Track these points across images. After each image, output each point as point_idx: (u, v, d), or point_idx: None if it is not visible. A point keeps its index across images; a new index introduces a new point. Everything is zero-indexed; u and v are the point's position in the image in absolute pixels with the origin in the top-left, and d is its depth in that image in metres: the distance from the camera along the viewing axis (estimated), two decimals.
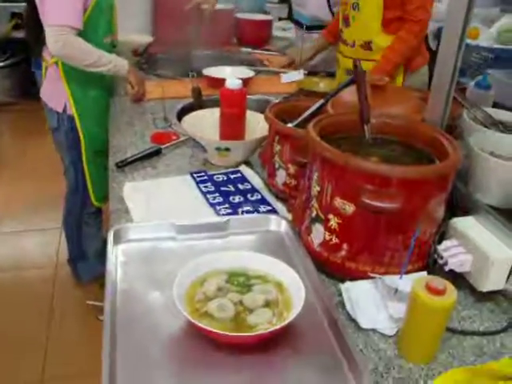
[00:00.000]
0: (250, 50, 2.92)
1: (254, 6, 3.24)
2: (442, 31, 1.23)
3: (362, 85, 1.24)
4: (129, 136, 1.77)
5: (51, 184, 3.16)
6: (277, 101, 1.57)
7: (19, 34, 4.63)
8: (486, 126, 1.39)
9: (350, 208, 1.03)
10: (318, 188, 1.08)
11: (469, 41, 2.75)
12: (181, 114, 1.97)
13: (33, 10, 2.00)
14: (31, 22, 2.05)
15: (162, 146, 1.64)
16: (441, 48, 1.25)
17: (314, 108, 1.46)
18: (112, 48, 2.17)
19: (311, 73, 2.55)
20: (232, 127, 1.53)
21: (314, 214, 1.11)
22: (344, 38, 2.27)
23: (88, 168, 2.25)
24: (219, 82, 2.18)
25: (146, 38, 2.69)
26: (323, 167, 1.07)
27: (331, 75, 2.58)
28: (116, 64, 2.02)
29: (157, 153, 1.62)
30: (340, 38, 2.31)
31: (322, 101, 1.48)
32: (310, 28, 2.95)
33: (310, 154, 1.13)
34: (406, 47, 2.09)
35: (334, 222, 1.07)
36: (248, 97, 1.73)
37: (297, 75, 2.43)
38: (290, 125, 1.42)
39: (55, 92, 2.14)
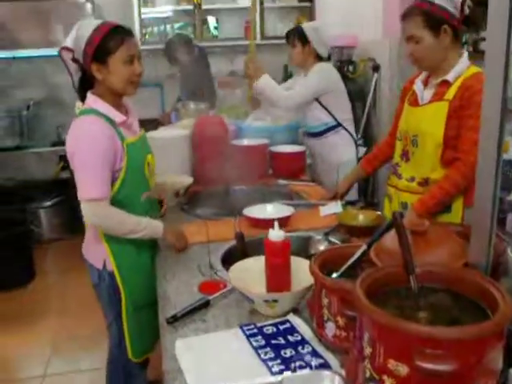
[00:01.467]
0: (286, 182, 3.01)
1: (288, 139, 3.37)
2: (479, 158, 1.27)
3: (403, 238, 1.27)
4: (176, 287, 1.81)
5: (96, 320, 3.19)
6: (320, 249, 1.61)
7: (66, 174, 4.88)
8: None
9: (404, 369, 1.03)
10: (369, 349, 1.08)
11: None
12: (225, 258, 2.03)
13: None
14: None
15: (210, 297, 1.67)
16: (478, 178, 1.28)
17: (356, 256, 1.49)
18: (150, 205, 2.24)
19: (349, 202, 2.61)
20: (278, 277, 1.56)
21: (367, 375, 1.11)
22: (400, 173, 2.31)
23: (128, 324, 2.21)
24: (261, 223, 2.28)
25: (187, 179, 2.80)
26: (373, 328, 1.07)
27: (369, 204, 2.64)
28: (151, 228, 2.07)
29: (205, 305, 1.65)
30: (394, 171, 2.35)
31: (364, 247, 1.51)
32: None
33: (359, 314, 1.14)
34: (452, 187, 2.11)
35: (388, 383, 1.06)
36: (289, 235, 1.81)
37: (335, 207, 2.48)
38: (334, 275, 1.45)
39: (94, 248, 2.16)
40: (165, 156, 2.86)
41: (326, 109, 3.32)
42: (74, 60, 2.02)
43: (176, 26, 5.33)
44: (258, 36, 5.35)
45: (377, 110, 5.02)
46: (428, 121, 2.14)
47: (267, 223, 2.25)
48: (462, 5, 2.05)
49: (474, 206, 1.30)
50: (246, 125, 3.42)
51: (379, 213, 2.35)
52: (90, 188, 1.94)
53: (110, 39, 1.97)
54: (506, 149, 3.16)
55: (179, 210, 2.66)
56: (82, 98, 2.09)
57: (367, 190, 3.42)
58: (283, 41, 5.42)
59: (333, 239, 2.17)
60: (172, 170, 2.84)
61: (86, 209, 1.96)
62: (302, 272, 1.63)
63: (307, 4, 5.52)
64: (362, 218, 2.30)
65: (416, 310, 1.16)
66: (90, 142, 1.95)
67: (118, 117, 2.04)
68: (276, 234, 1.55)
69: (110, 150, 1.97)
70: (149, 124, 3.66)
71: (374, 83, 4.93)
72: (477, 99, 2.03)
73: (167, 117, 4.26)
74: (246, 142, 3.15)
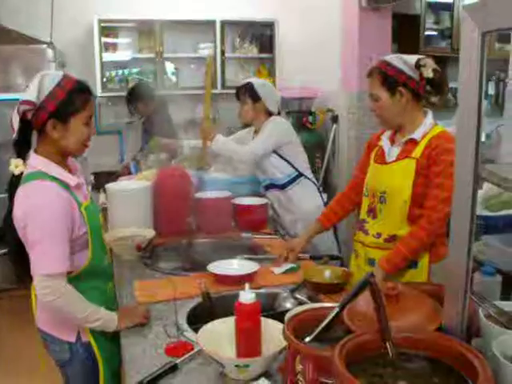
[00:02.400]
0: (250, 235, 2.98)
1: (250, 190, 3.36)
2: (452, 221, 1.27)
3: (379, 303, 1.26)
4: (142, 349, 1.74)
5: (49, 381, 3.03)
6: (293, 312, 1.58)
7: None
8: (502, 325, 1.39)
9: None
10: None
11: None
12: (191, 317, 1.98)
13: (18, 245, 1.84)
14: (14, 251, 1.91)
15: (177, 361, 1.61)
16: (451, 241, 1.28)
17: (329, 319, 1.46)
18: (110, 269, 2.13)
19: (313, 257, 2.59)
20: (249, 341, 1.52)
21: None
22: (366, 229, 2.32)
23: None
24: (227, 279, 2.24)
25: (149, 233, 2.74)
26: None
27: (334, 258, 2.63)
28: (105, 322, 1.86)
29: (173, 369, 1.59)
30: (361, 227, 2.36)
31: (336, 310, 1.49)
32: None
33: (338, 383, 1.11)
34: (418, 244, 2.13)
35: None
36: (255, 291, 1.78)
37: (288, 265, 2.47)
38: (307, 339, 1.42)
39: (63, 320, 1.90)
40: (125, 209, 2.82)
41: (286, 160, 3.33)
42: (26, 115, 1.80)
43: (132, 72, 5.31)
44: (219, 85, 5.40)
45: (335, 159, 5.10)
46: (396, 178, 2.17)
47: (233, 280, 2.25)
48: (419, 68, 2.12)
49: (448, 270, 1.30)
50: (207, 177, 3.40)
51: (346, 269, 2.34)
52: (48, 262, 1.75)
53: (76, 97, 1.83)
54: None
55: (141, 264, 2.59)
56: (21, 156, 1.88)
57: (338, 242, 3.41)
58: None
59: (299, 296, 2.14)
60: (133, 222, 2.78)
61: (41, 285, 1.75)
62: (270, 334, 1.59)
63: (268, 55, 5.60)
64: (328, 274, 2.29)
65: (395, 379, 1.13)
66: (46, 210, 1.76)
67: (71, 180, 1.88)
68: (247, 297, 1.51)
69: (68, 218, 1.80)
70: (108, 176, 3.62)
71: (333, 134, 5.03)
72: (443, 158, 2.08)
73: (127, 169, 4.20)
74: (209, 194, 3.11)
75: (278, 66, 5.50)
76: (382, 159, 2.28)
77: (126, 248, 2.60)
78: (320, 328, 1.44)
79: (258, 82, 3.52)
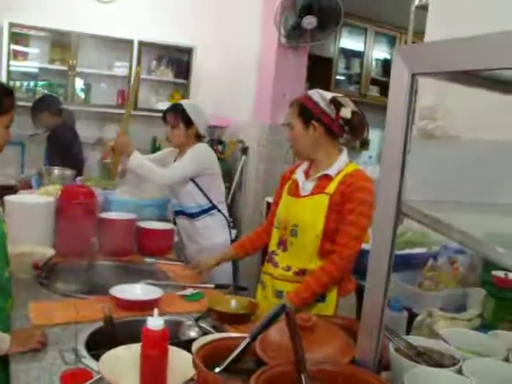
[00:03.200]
0: (153, 260, 2.89)
1: (156, 215, 3.28)
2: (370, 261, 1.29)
3: (295, 335, 1.24)
4: (35, 376, 1.61)
5: None
6: (202, 341, 1.52)
7: None
8: (412, 359, 1.41)
9: None
10: None
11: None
12: (90, 342, 1.87)
13: None
14: None
15: None
16: (369, 281, 1.29)
17: (240, 349, 1.43)
18: (10, 283, 1.96)
19: (219, 285, 2.55)
20: (155, 370, 1.44)
21: None
22: (276, 261, 2.30)
23: None
24: (129, 304, 2.15)
25: (48, 251, 2.59)
26: None
27: (240, 289, 2.60)
28: None
29: None
30: (270, 259, 2.34)
31: (247, 340, 1.46)
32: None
33: None
34: (328, 278, 2.14)
35: None
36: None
37: (191, 292, 2.42)
38: (217, 369, 1.37)
39: None
40: (25, 224, 2.66)
41: (201, 191, 3.25)
42: None
43: (40, 83, 5.08)
44: None
45: (242, 191, 5.12)
46: (309, 212, 2.19)
47: (136, 305, 2.16)
48: (336, 107, 2.18)
49: (364, 307, 1.31)
50: (113, 197, 3.28)
51: (252, 300, 2.31)
52: None
53: (3, 99, 1.77)
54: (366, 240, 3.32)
55: (37, 283, 2.43)
56: None
57: (236, 274, 3.37)
58: (154, 114, 5.47)
59: (204, 325, 2.09)
60: (31, 239, 2.62)
61: None
62: (176, 362, 1.53)
63: (183, 81, 5.57)
64: (234, 304, 2.25)
65: None
66: None
67: None
68: (155, 323, 1.44)
69: None
70: (7, 190, 3.40)
71: (241, 164, 5.06)
72: (357, 195, 2.12)
73: (26, 184, 3.95)
74: (113, 215, 3.00)
75: (192, 91, 5.48)
76: (295, 192, 2.29)
77: (23, 265, 2.43)
78: (230, 358, 1.40)
79: (188, 104, 3.37)
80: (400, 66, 1.21)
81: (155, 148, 5.57)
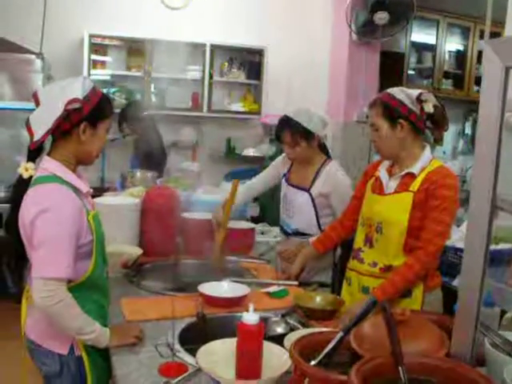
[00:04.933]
0: (236, 258, 2.95)
1: (236, 214, 3.33)
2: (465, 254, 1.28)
3: (392, 329, 1.25)
4: (134, 368, 1.69)
5: None
6: (299, 334, 1.56)
7: None
8: (509, 354, 1.39)
9: None
10: None
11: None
12: (183, 338, 1.93)
13: (17, 239, 1.83)
14: (14, 255, 1.91)
15: (173, 382, 1.57)
16: (463, 272, 1.29)
17: (333, 343, 1.45)
18: (108, 281, 2.06)
19: (303, 283, 2.58)
20: (250, 363, 1.49)
21: None
22: (362, 257, 2.33)
23: None
24: (217, 301, 2.21)
25: (136, 251, 2.70)
26: None
27: (323, 286, 2.61)
28: (98, 336, 1.79)
29: None
30: (356, 256, 2.37)
31: (340, 334, 1.48)
32: (292, 235, 3.04)
33: None
34: (413, 275, 2.14)
35: None
36: None
37: (275, 289, 2.45)
38: (312, 363, 1.40)
39: (55, 331, 1.81)
40: (112, 225, 2.75)
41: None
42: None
43: (116, 90, 5.26)
44: (205, 108, 5.39)
45: None
46: (393, 210, 2.19)
47: (224, 302, 2.22)
48: (420, 104, 2.16)
49: (459, 302, 1.31)
50: (195, 197, 3.36)
51: (337, 296, 2.33)
52: (54, 265, 1.70)
53: (106, 105, 1.89)
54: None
55: (126, 281, 2.53)
56: (33, 159, 1.88)
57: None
58: (228, 115, 5.57)
59: (291, 321, 2.12)
60: (120, 240, 2.73)
61: (42, 288, 1.69)
62: (267, 357, 1.56)
63: (255, 81, 5.63)
64: (319, 300, 2.27)
65: None
66: (60, 212, 1.73)
67: (83, 186, 1.87)
68: (251, 318, 1.49)
69: (77, 224, 1.77)
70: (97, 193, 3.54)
71: None
72: (441, 193, 2.11)
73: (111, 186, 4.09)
74: (196, 215, 3.08)
75: (264, 93, 5.53)
76: (379, 190, 2.29)
77: (112, 265, 2.53)
78: (325, 352, 1.43)
79: (298, 114, 2.84)
80: (492, 60, 1.20)
81: (230, 149, 5.66)
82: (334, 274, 2.90)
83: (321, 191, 2.86)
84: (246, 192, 3.18)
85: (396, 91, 2.21)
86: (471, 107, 6.50)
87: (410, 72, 6.18)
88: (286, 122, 2.85)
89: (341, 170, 2.94)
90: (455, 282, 2.87)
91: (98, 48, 5.21)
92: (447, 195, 2.12)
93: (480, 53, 6.21)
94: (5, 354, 3.04)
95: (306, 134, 2.82)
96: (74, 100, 1.78)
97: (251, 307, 1.51)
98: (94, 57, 5.14)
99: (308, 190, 2.90)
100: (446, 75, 6.27)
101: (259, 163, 5.48)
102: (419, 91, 2.21)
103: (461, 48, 6.42)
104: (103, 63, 5.31)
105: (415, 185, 2.18)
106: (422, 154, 2.23)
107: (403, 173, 2.23)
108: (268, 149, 5.53)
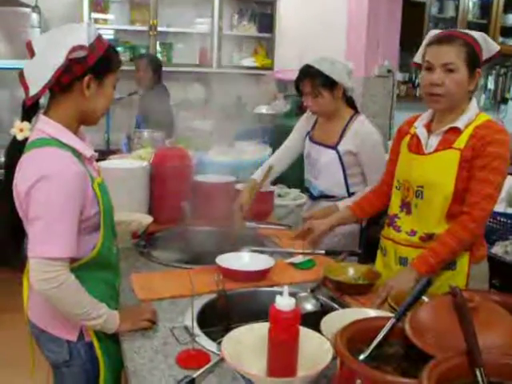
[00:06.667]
0: (253, 224, 2.71)
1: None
2: None
3: (467, 321, 1.01)
4: (149, 359, 1.47)
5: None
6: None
7: None
8: None
9: None
10: None
11: None
12: (201, 319, 1.71)
13: (12, 210, 1.58)
14: (9, 227, 1.66)
15: (194, 375, 1.35)
16: None
17: (384, 332, 1.23)
18: (118, 254, 1.83)
19: (329, 252, 2.33)
20: (285, 356, 1.25)
21: None
22: (398, 225, 2.06)
23: None
24: (239, 275, 1.98)
25: (146, 219, 2.46)
26: None
27: (354, 255, 2.38)
28: (106, 321, 1.57)
29: None
30: (391, 223, 2.10)
31: (392, 321, 1.25)
32: (317, 198, 2.79)
33: None
34: (458, 244, 1.89)
35: None
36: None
37: (301, 259, 2.22)
38: (361, 357, 1.18)
39: (62, 316, 1.59)
40: (119, 191, 2.50)
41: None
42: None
43: (121, 46, 4.97)
44: (215, 64, 5.12)
45: None
46: (437, 171, 1.91)
47: (247, 276, 1.99)
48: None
49: None
50: (208, 159, 3.11)
51: (372, 267, 2.09)
52: (52, 243, 1.47)
53: (113, 55, 1.64)
54: None
55: (137, 253, 2.30)
56: (29, 118, 1.63)
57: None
58: (239, 70, 5.27)
59: (320, 297, 1.89)
60: (128, 207, 2.48)
61: (38, 270, 1.47)
62: (306, 347, 1.33)
63: (267, 35, 5.33)
64: (351, 272, 2.04)
65: None
66: (59, 181, 1.48)
67: (87, 151, 1.62)
68: (285, 303, 1.24)
69: (81, 194, 1.53)
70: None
71: None
72: (490, 150, 1.85)
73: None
74: (210, 178, 2.83)
75: (277, 46, 5.23)
76: (418, 149, 2.01)
77: (121, 234, 2.28)
78: (375, 343, 1.22)
79: (321, 62, 2.56)
80: None
81: (241, 107, 5.38)
82: (363, 242, 2.66)
83: (349, 148, 2.60)
84: (271, 174, 2.82)
85: (479, 36, 1.92)
86: (495, 61, 6.17)
87: (432, 22, 5.83)
88: (307, 71, 2.59)
89: (371, 125, 2.67)
90: (494, 250, 2.64)
91: (99, 2, 4.88)
92: (497, 152, 1.85)
93: (507, 1, 5.84)
94: (12, 326, 2.86)
95: (329, 83, 2.55)
96: (80, 47, 1.51)
97: (286, 290, 1.26)
98: (94, 15, 4.83)
99: (335, 147, 2.63)
100: (470, 26, 5.90)
101: (272, 122, 5.21)
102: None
103: None
104: (105, 20, 5.00)
105: (461, 141, 1.90)
106: (468, 106, 1.95)
107: (446, 128, 1.95)
108: (282, 106, 5.23)
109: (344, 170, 2.63)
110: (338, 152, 2.62)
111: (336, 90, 2.57)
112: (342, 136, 2.63)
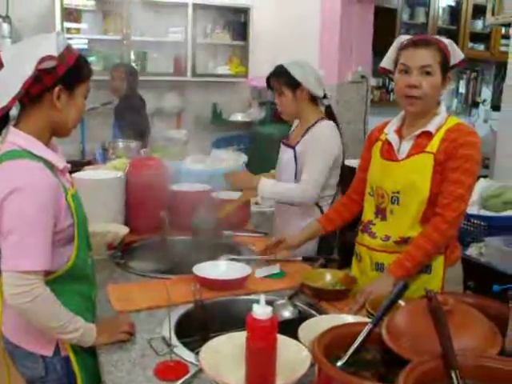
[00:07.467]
0: (231, 232, 2.70)
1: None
2: None
3: (442, 324, 1.02)
4: (126, 371, 1.46)
5: None
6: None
7: None
8: None
9: None
10: None
11: None
12: (179, 329, 1.70)
13: None
14: None
15: None
16: None
17: (361, 338, 1.23)
18: (93, 266, 1.80)
19: (307, 258, 2.34)
20: (262, 365, 1.25)
21: None
22: (373, 231, 2.06)
23: None
24: (215, 284, 1.97)
25: (122, 229, 2.45)
26: None
27: (330, 261, 2.38)
28: (83, 334, 1.55)
29: None
30: (366, 229, 2.10)
31: (369, 326, 1.26)
32: None
33: None
34: (432, 246, 1.90)
35: None
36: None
37: (272, 269, 2.21)
38: (339, 363, 1.18)
39: (37, 331, 1.56)
40: (95, 202, 2.48)
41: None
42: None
43: (94, 56, 4.93)
44: (189, 73, 5.10)
45: None
46: (412, 176, 1.92)
47: (223, 284, 1.99)
48: None
49: None
50: (183, 167, 3.10)
51: (348, 273, 2.10)
52: (26, 256, 1.44)
53: (83, 65, 1.61)
54: None
55: (112, 264, 2.29)
56: None
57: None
58: (214, 78, 5.29)
59: (299, 304, 1.90)
60: (103, 218, 2.47)
61: (11, 284, 1.44)
62: (284, 355, 1.33)
63: (241, 43, 5.34)
64: (329, 277, 2.05)
65: None
66: (31, 194, 1.46)
67: (59, 162, 1.60)
68: (262, 311, 1.24)
69: (54, 206, 1.51)
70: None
71: None
72: (462, 152, 1.87)
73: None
74: (186, 187, 2.82)
75: (251, 54, 5.24)
76: (391, 155, 2.02)
77: (96, 246, 2.27)
78: (352, 349, 1.22)
79: (290, 63, 2.63)
80: None
81: (216, 115, 5.38)
82: (338, 247, 2.67)
83: (303, 149, 2.62)
84: None
85: (450, 43, 1.95)
86: (466, 65, 6.25)
87: (403, 28, 5.89)
88: (275, 69, 2.69)
89: (333, 131, 2.63)
90: (469, 252, 2.67)
91: (71, 12, 4.84)
92: (469, 154, 1.87)
93: (475, 7, 5.93)
94: None
95: (292, 83, 2.60)
96: (49, 57, 1.48)
97: (262, 298, 1.26)
98: (67, 24, 4.78)
99: (294, 147, 2.67)
100: (440, 31, 5.98)
101: (248, 129, 5.22)
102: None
103: (454, 3, 6.13)
104: (77, 30, 4.96)
105: (433, 145, 1.92)
106: (437, 111, 1.98)
107: (418, 132, 1.97)
108: (257, 113, 5.25)
109: (296, 168, 2.65)
110: (294, 151, 2.66)
111: (299, 90, 2.60)
112: (302, 137, 2.66)
